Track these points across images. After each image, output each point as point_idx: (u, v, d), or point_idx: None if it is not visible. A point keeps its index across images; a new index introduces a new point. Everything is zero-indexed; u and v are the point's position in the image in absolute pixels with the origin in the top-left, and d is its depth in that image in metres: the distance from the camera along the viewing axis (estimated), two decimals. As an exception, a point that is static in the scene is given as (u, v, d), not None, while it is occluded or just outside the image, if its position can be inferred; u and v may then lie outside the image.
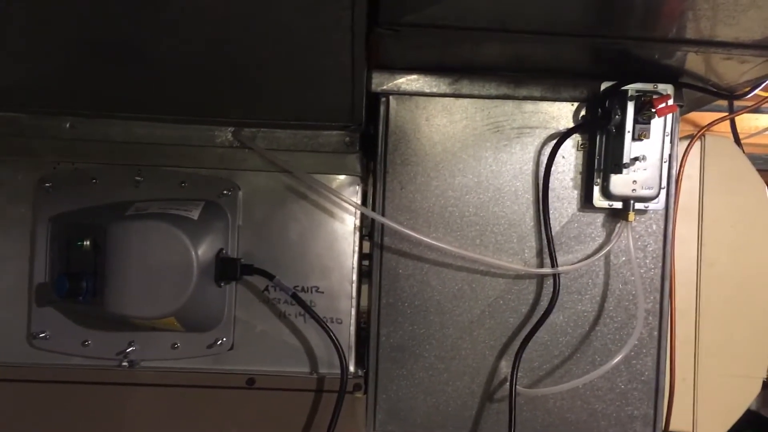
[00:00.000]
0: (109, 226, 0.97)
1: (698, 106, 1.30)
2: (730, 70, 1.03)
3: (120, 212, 1.03)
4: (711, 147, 1.24)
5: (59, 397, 1.08)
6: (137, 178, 1.09)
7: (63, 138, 1.10)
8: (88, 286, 0.99)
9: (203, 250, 1.01)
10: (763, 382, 1.26)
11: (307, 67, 0.92)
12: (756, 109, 1.42)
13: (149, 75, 0.96)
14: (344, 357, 1.07)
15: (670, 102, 1.03)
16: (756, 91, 1.14)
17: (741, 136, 1.39)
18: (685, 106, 1.11)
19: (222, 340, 1.09)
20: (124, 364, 1.09)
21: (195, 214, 1.03)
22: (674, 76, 1.07)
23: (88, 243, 1.00)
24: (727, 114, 1.28)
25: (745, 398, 1.27)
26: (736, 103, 1.27)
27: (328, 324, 1.09)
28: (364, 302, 1.16)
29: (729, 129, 1.39)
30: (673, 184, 1.12)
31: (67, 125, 1.10)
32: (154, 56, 0.90)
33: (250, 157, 1.11)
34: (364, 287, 1.17)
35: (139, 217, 1.00)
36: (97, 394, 1.08)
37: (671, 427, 1.22)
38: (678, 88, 1.07)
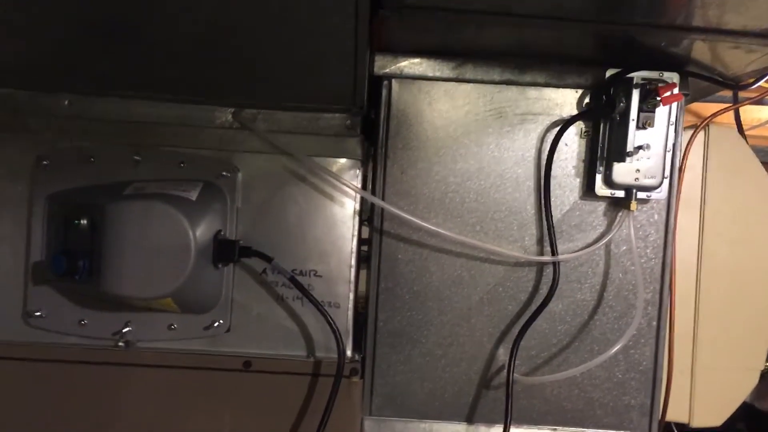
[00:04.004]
0: (106, 206, 0.96)
1: (702, 96, 1.29)
2: (737, 59, 1.01)
3: (118, 192, 1.01)
4: (715, 137, 1.23)
5: (54, 375, 1.07)
6: (135, 157, 1.08)
7: (61, 116, 1.09)
8: (84, 265, 0.98)
9: (201, 232, 1.00)
10: (761, 373, 1.26)
11: (309, 48, 0.91)
12: (760, 101, 1.41)
13: (148, 54, 0.95)
14: (341, 341, 1.07)
15: (676, 90, 1.02)
16: (761, 82, 1.13)
17: (744, 128, 1.38)
18: (689, 95, 1.10)
19: (219, 322, 1.09)
20: (120, 344, 1.08)
21: (193, 195, 1.02)
22: (680, 64, 1.06)
23: (85, 222, 0.99)
24: (731, 104, 1.27)
25: (741, 390, 1.27)
26: (740, 95, 1.27)
27: (325, 308, 1.08)
28: (362, 287, 1.15)
29: (732, 120, 1.38)
30: (676, 173, 1.11)
31: (66, 103, 1.08)
32: (152, 35, 0.89)
33: (249, 139, 1.10)
34: (363, 272, 1.16)
35: (137, 197, 0.99)
36: (93, 373, 1.07)
37: (668, 418, 1.21)
38: (684, 76, 1.06)
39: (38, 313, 1.08)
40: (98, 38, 0.91)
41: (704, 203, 1.24)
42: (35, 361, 1.07)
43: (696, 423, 1.26)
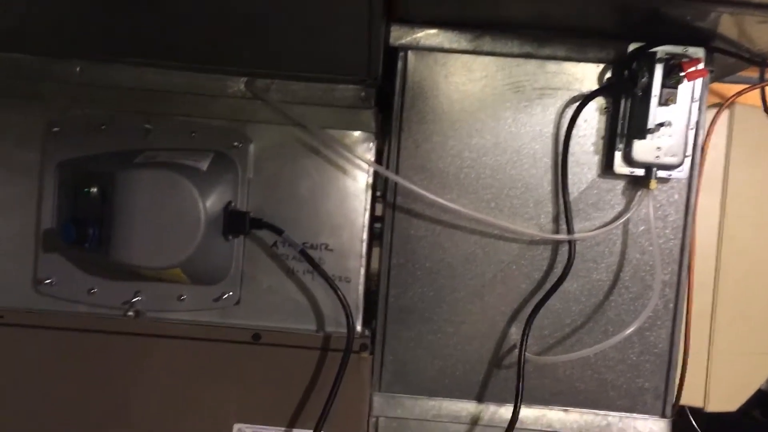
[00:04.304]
0: (117, 174, 0.95)
1: (727, 74, 1.25)
2: (765, 34, 0.98)
3: (128, 160, 1.00)
4: (740, 116, 1.20)
5: (63, 343, 1.07)
6: (146, 125, 1.07)
7: (73, 83, 1.07)
8: (94, 233, 0.97)
9: (211, 202, 0.99)
10: (779, 360, 1.23)
11: (323, 16, 0.89)
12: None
13: (159, 19, 0.94)
14: (351, 315, 1.05)
15: (701, 66, 0.99)
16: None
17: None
18: (714, 73, 1.07)
19: (228, 294, 1.08)
20: (130, 313, 1.07)
21: (204, 165, 1.01)
22: (706, 39, 1.02)
23: (95, 190, 0.98)
24: (759, 83, 1.23)
25: (758, 376, 1.24)
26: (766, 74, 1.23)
27: (336, 282, 1.07)
28: (375, 265, 1.14)
29: (758, 101, 1.34)
30: (698, 152, 1.08)
31: (77, 69, 1.07)
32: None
33: (262, 109, 1.08)
34: (377, 250, 1.14)
35: (148, 166, 0.98)
36: (102, 342, 1.07)
37: (682, 402, 1.19)
38: (709, 52, 1.02)
39: (48, 281, 1.08)
40: (110, 3, 0.90)
41: (727, 184, 1.21)
42: (45, 328, 1.07)
43: (711, 408, 1.24)
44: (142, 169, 0.97)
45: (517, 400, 1.05)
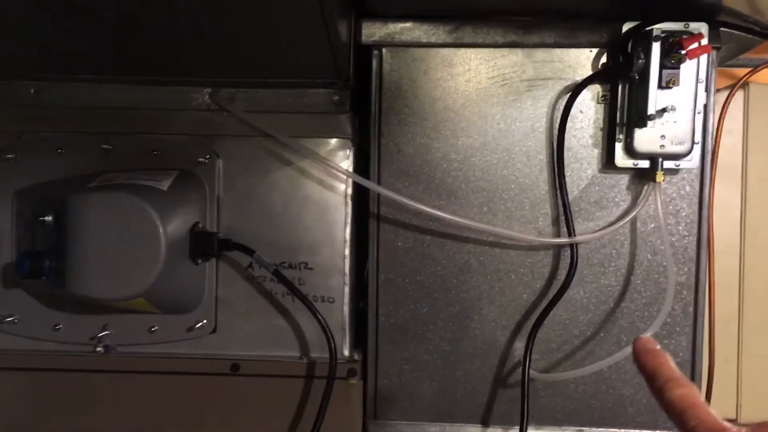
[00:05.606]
0: (68, 199, 0.88)
1: (737, 54, 1.14)
2: (774, 2, 0.88)
3: (84, 184, 0.93)
4: (756, 97, 1.09)
5: (29, 384, 1.00)
6: (105, 146, 1.00)
7: (27, 105, 1.01)
8: (51, 265, 0.90)
9: (174, 224, 0.91)
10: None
11: (274, 16, 0.80)
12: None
13: (111, 33, 0.86)
14: (333, 339, 0.96)
15: (704, 42, 0.89)
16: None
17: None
18: (723, 48, 0.96)
19: (203, 322, 1.00)
20: (99, 349, 1.00)
21: (165, 185, 0.93)
22: (709, 13, 0.92)
23: (50, 218, 0.91)
24: (773, 59, 1.13)
25: (796, 380, 1.13)
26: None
27: (318, 303, 0.98)
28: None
29: None
30: (709, 138, 0.97)
31: (31, 91, 1.01)
32: (109, 13, 0.80)
33: (229, 122, 1.00)
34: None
35: (100, 189, 0.91)
36: (70, 381, 1.00)
37: (711, 414, 1.08)
38: (714, 27, 0.92)
39: (10, 318, 1.00)
40: (56, 18, 0.83)
41: (746, 172, 1.10)
42: (9, 369, 1.00)
43: (745, 418, 1.13)
44: (94, 193, 0.89)
45: (523, 422, 0.95)
